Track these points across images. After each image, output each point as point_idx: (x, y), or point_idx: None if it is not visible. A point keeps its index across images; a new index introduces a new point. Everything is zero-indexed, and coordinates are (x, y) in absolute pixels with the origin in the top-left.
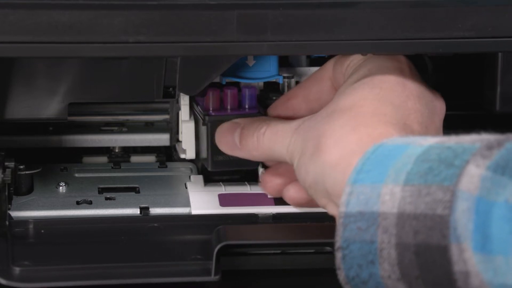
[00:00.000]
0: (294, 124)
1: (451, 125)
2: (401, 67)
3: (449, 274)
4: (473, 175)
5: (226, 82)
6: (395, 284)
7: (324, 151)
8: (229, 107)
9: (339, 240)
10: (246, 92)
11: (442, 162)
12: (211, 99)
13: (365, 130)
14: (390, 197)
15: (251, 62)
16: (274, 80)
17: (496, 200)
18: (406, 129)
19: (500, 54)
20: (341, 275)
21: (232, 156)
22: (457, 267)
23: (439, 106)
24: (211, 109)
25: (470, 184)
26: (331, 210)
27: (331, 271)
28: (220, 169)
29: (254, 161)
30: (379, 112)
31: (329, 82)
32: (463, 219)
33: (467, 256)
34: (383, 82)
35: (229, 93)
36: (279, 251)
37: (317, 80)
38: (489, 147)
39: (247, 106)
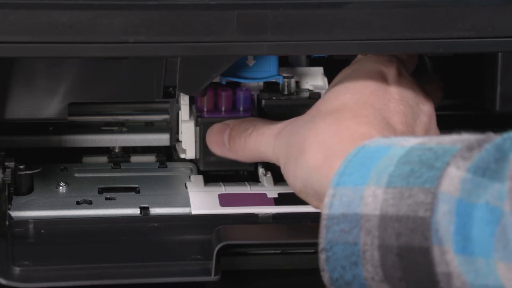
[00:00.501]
0: (277, 126)
1: (451, 125)
2: (384, 71)
3: (431, 276)
4: (454, 177)
5: (226, 82)
6: (379, 286)
7: (308, 155)
8: (223, 108)
9: (322, 242)
10: (241, 95)
11: (423, 164)
12: (205, 100)
13: (347, 132)
14: (372, 199)
15: (251, 62)
16: (274, 80)
17: (476, 202)
18: (389, 129)
19: (500, 54)
20: (325, 277)
21: (223, 158)
22: (440, 269)
23: (426, 108)
24: (205, 110)
25: (450, 186)
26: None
27: None
28: (211, 168)
29: (245, 163)
30: (360, 114)
31: None
32: (444, 221)
33: (449, 258)
34: (364, 87)
35: (224, 95)
36: (279, 251)
37: None
38: (470, 148)
39: (241, 109)
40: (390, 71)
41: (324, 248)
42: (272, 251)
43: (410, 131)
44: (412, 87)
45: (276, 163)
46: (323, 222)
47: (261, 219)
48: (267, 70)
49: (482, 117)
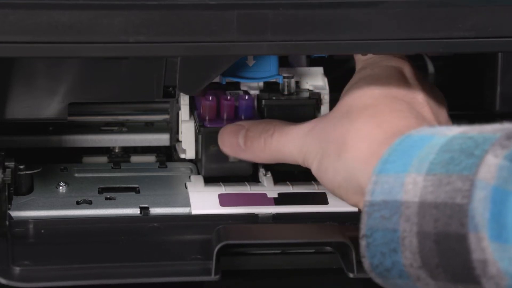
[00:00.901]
0: (305, 126)
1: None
2: (401, 67)
3: (467, 262)
4: (491, 164)
5: (226, 82)
6: (417, 272)
7: (352, 149)
8: (225, 117)
9: (363, 228)
10: (243, 104)
11: (463, 152)
12: (207, 109)
13: (389, 125)
14: (412, 186)
15: (251, 62)
16: (274, 80)
17: (511, 190)
18: (425, 121)
19: (500, 54)
20: (366, 263)
21: (225, 164)
22: (475, 256)
23: (442, 99)
24: (207, 119)
25: (487, 173)
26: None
27: (331, 271)
28: (213, 175)
29: (246, 169)
30: (395, 109)
31: None
32: (480, 208)
33: (484, 245)
34: (388, 82)
35: (226, 104)
36: (279, 251)
37: None
38: (509, 136)
39: (243, 117)
40: (406, 66)
41: (365, 234)
42: (272, 251)
43: (438, 122)
44: (426, 81)
45: (302, 162)
46: (365, 209)
47: (261, 219)
48: (267, 70)
49: (482, 117)
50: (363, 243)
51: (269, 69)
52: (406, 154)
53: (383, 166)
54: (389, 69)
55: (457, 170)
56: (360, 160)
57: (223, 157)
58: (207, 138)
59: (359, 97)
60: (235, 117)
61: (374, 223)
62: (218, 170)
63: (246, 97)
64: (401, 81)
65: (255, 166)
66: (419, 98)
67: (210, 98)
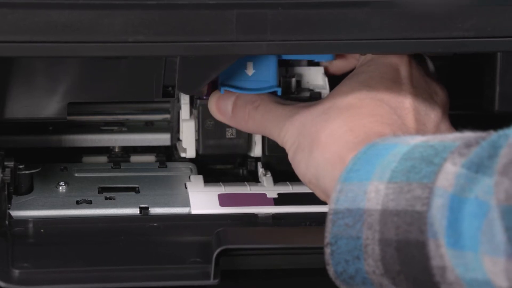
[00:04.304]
0: (289, 109)
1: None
2: (397, 63)
3: (427, 269)
4: (449, 172)
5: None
6: (380, 279)
7: (323, 148)
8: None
9: (327, 236)
10: None
11: (423, 160)
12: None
13: (363, 130)
14: (375, 194)
15: (250, 71)
16: (273, 91)
17: (468, 197)
18: (402, 128)
19: (499, 54)
20: (330, 271)
21: (222, 141)
22: (434, 262)
23: (440, 99)
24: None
25: (445, 181)
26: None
27: None
28: (211, 152)
29: (244, 146)
30: (376, 113)
31: None
32: (438, 215)
33: (442, 251)
34: (379, 83)
35: None
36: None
37: None
38: (467, 145)
39: None
40: (403, 65)
41: (329, 242)
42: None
43: (421, 128)
44: (424, 78)
45: (281, 144)
46: (329, 217)
47: (261, 219)
48: (266, 81)
49: (481, 117)
50: (327, 250)
51: (268, 80)
52: (369, 163)
53: (347, 175)
54: (385, 68)
55: (417, 178)
56: (328, 162)
57: (220, 133)
58: (204, 111)
59: (344, 95)
60: None
61: (338, 231)
62: (215, 147)
63: None
64: (393, 82)
65: (255, 166)
66: (406, 103)
67: None
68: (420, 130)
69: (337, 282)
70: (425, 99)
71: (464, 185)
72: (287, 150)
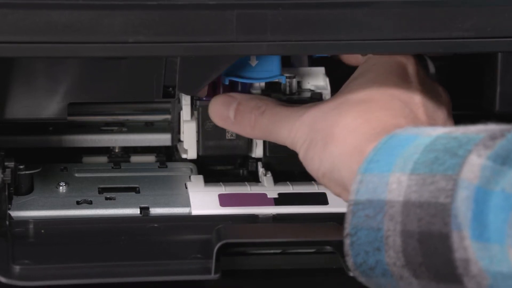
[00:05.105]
0: (297, 110)
1: None
2: (404, 62)
3: (450, 261)
4: (474, 164)
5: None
6: (400, 271)
7: (338, 141)
8: (221, 92)
9: (347, 227)
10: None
11: (447, 152)
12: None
13: (378, 122)
14: (397, 185)
15: (253, 62)
16: (277, 80)
17: (493, 189)
18: (416, 122)
19: (499, 54)
20: (349, 261)
21: (222, 142)
22: (458, 254)
23: (444, 99)
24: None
25: (470, 173)
26: (346, 198)
27: (331, 271)
28: (211, 153)
29: (244, 148)
30: (389, 107)
31: None
32: (463, 208)
33: (466, 243)
34: (388, 79)
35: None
36: (279, 251)
37: None
38: (492, 137)
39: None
40: (410, 62)
41: (349, 233)
42: (272, 251)
43: (433, 123)
44: (429, 79)
45: (291, 145)
46: (349, 208)
47: (261, 220)
48: (269, 70)
49: (482, 117)
50: (347, 241)
51: (272, 69)
52: (390, 154)
53: (368, 166)
54: (392, 65)
55: (441, 170)
56: (345, 154)
57: (220, 134)
58: (203, 112)
59: (355, 91)
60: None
61: (358, 222)
62: (215, 149)
63: None
64: (401, 79)
65: (255, 167)
66: (416, 99)
67: None
68: (431, 125)
69: (356, 274)
70: (432, 97)
71: (489, 177)
72: (297, 149)
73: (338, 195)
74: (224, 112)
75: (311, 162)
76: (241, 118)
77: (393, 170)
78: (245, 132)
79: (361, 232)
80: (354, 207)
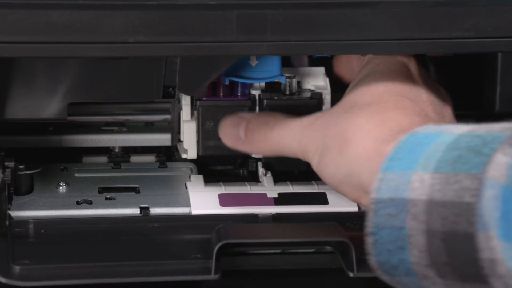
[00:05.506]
0: (306, 119)
1: None
2: (406, 62)
3: (476, 261)
4: (500, 163)
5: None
6: (424, 271)
7: (354, 145)
8: (221, 94)
9: (369, 226)
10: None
11: (471, 150)
12: None
13: (393, 122)
14: (419, 184)
15: (253, 62)
16: (277, 80)
17: None
18: (428, 120)
19: (500, 54)
20: (372, 260)
21: (221, 142)
22: (484, 255)
23: (446, 97)
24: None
25: (497, 172)
26: (366, 202)
27: (331, 271)
28: (210, 153)
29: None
30: (399, 106)
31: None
32: (489, 207)
33: (493, 244)
34: (394, 78)
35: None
36: (279, 251)
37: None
38: None
39: (239, 94)
40: (411, 62)
41: (371, 231)
42: (272, 251)
43: (442, 121)
44: (430, 80)
45: (302, 155)
46: (371, 206)
47: (261, 219)
48: (269, 70)
49: (482, 117)
50: (369, 240)
51: (272, 69)
52: (412, 152)
53: (389, 163)
54: (395, 65)
55: (465, 169)
56: (363, 157)
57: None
58: (203, 112)
59: (363, 93)
60: (230, 93)
61: (380, 221)
62: (215, 148)
63: None
64: (406, 77)
65: (255, 167)
66: (423, 97)
67: None
68: (441, 122)
69: (379, 273)
70: (437, 95)
71: None
72: (309, 158)
73: (357, 200)
74: (235, 132)
75: (326, 169)
76: (252, 135)
77: (415, 168)
78: (258, 150)
79: (384, 231)
80: (376, 205)
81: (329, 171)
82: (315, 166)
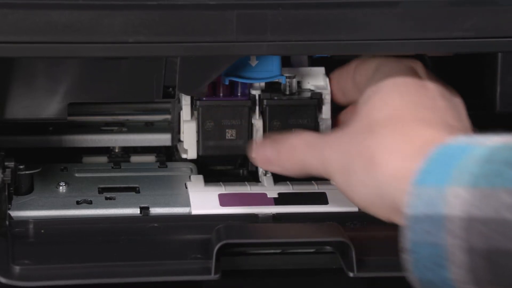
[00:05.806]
0: (326, 137)
1: None
2: (413, 66)
3: None
4: None
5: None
6: None
7: (382, 165)
8: (221, 94)
9: (407, 243)
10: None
11: (507, 164)
12: None
13: (417, 137)
14: (455, 199)
15: (253, 62)
16: (277, 80)
17: None
18: (449, 128)
19: (500, 54)
20: (411, 277)
21: (222, 142)
22: None
23: (458, 100)
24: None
25: None
26: (399, 220)
27: (331, 271)
28: (210, 153)
29: (244, 148)
30: (419, 117)
31: (351, 81)
32: None
33: None
34: (406, 87)
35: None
36: (279, 251)
37: (342, 76)
38: None
39: (239, 94)
40: (418, 66)
41: (409, 249)
42: (272, 251)
43: (464, 125)
44: (440, 81)
45: (324, 174)
46: (406, 222)
47: (261, 219)
48: (269, 70)
49: (482, 117)
50: (407, 257)
51: (272, 69)
52: (444, 165)
53: (421, 177)
54: (405, 72)
55: (502, 183)
56: (392, 177)
57: (220, 134)
58: (203, 112)
59: (379, 107)
60: (230, 93)
61: (417, 237)
62: (215, 148)
63: None
64: (418, 85)
65: (255, 167)
66: (439, 103)
67: None
68: (463, 128)
69: None
70: (450, 99)
71: None
72: (332, 175)
73: (390, 220)
74: (264, 153)
75: (354, 190)
76: (279, 156)
77: (449, 182)
78: (285, 170)
79: (421, 248)
80: (411, 221)
81: (357, 193)
82: (340, 185)
